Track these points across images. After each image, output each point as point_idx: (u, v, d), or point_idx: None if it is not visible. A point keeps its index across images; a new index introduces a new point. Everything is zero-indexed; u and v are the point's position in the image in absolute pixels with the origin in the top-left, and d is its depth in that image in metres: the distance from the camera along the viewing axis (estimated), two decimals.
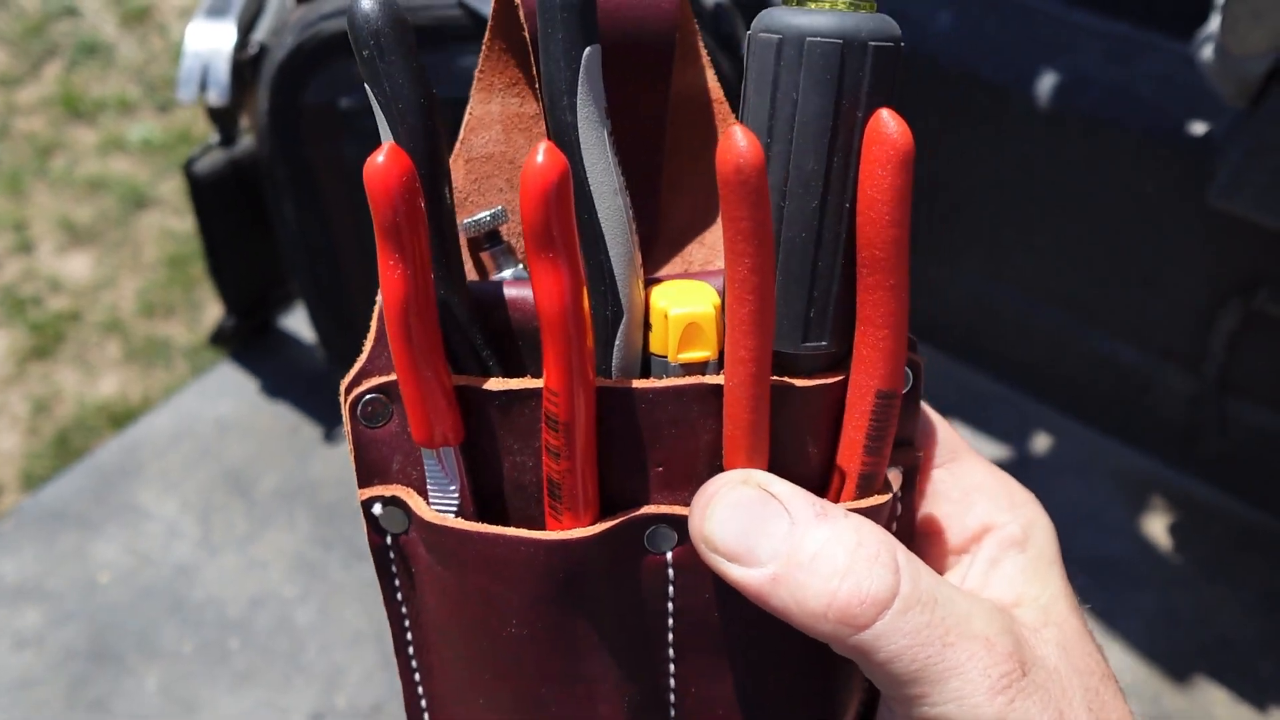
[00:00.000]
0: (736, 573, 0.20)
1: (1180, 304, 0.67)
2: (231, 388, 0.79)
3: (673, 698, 0.23)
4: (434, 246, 0.20)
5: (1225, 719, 0.60)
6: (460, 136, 0.24)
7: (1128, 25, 0.67)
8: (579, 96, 0.20)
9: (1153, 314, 0.69)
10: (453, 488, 0.21)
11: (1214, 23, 0.52)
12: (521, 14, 0.20)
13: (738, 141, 0.17)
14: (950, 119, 0.70)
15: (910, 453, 0.22)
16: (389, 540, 0.21)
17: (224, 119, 0.64)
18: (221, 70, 0.59)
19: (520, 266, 0.22)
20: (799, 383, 0.20)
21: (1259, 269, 0.62)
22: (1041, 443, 0.76)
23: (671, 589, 0.22)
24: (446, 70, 0.55)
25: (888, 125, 0.17)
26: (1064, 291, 0.72)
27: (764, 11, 0.18)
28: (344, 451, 0.75)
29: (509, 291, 0.21)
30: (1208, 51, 0.52)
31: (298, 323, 0.84)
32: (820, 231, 0.19)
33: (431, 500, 0.21)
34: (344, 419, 0.21)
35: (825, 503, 0.20)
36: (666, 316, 0.20)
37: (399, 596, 0.23)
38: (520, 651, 0.22)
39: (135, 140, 2.48)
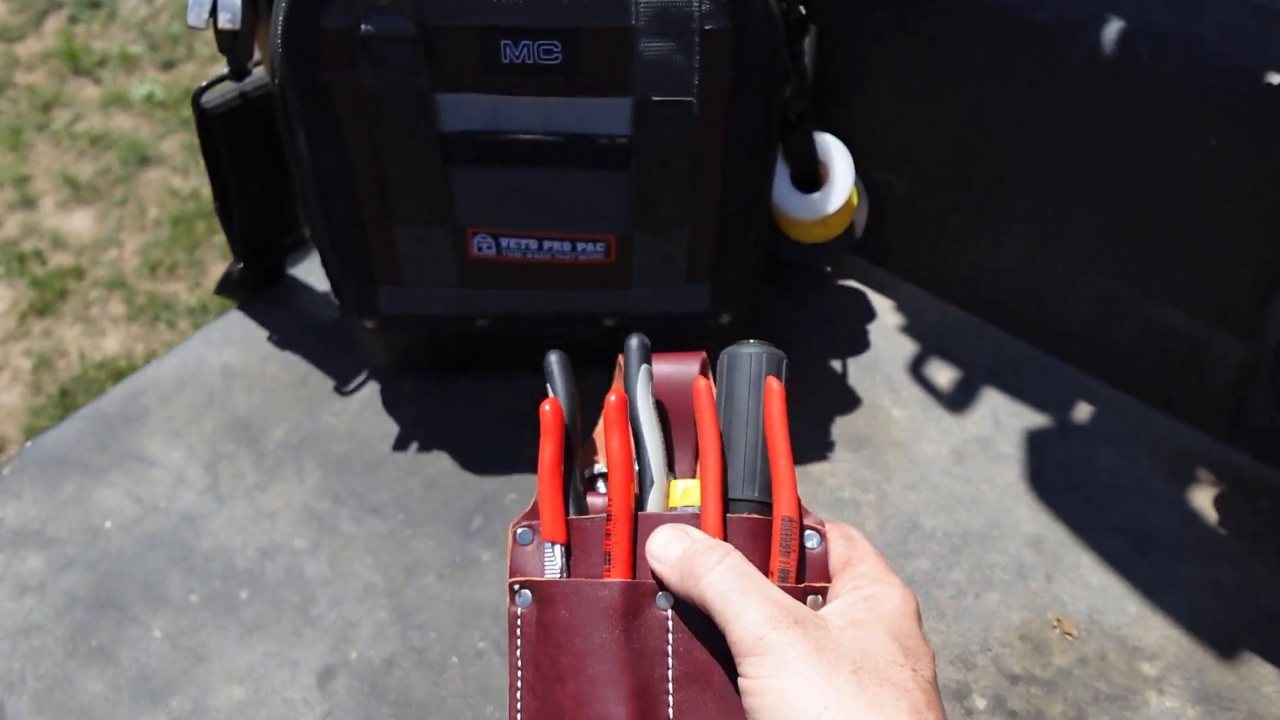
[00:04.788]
0: (658, 566, 0.37)
1: (1237, 268, 0.64)
2: (238, 336, 0.77)
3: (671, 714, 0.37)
4: (567, 464, 0.39)
5: (1272, 695, 0.58)
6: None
7: None
8: (637, 384, 0.40)
9: (1207, 278, 0.66)
10: (558, 566, 0.38)
11: None
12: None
13: (700, 386, 0.39)
14: (1000, 71, 0.67)
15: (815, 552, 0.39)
16: (519, 611, 0.38)
17: (235, 49, 0.61)
18: None
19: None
20: (733, 515, 0.38)
21: None
22: (1082, 411, 0.73)
23: (670, 635, 0.37)
24: None
25: (771, 384, 0.38)
26: (1113, 254, 0.69)
27: (728, 350, 0.40)
28: (356, 403, 0.72)
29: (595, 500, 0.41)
30: None
31: (309, 272, 0.81)
32: (746, 434, 0.39)
33: (547, 575, 0.38)
34: (508, 541, 0.40)
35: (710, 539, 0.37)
36: (674, 488, 0.40)
37: (519, 649, 0.38)
38: (579, 662, 0.37)
39: (138, 97, 2.42)
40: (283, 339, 0.76)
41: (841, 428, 0.72)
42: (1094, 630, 0.61)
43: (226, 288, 0.76)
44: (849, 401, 0.73)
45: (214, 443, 0.70)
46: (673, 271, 0.61)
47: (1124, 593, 0.63)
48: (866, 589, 0.36)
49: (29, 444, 0.69)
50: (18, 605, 0.61)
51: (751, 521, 0.38)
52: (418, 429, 0.71)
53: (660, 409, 0.42)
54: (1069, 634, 0.61)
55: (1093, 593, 0.63)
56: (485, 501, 0.67)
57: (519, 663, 0.38)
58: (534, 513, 0.39)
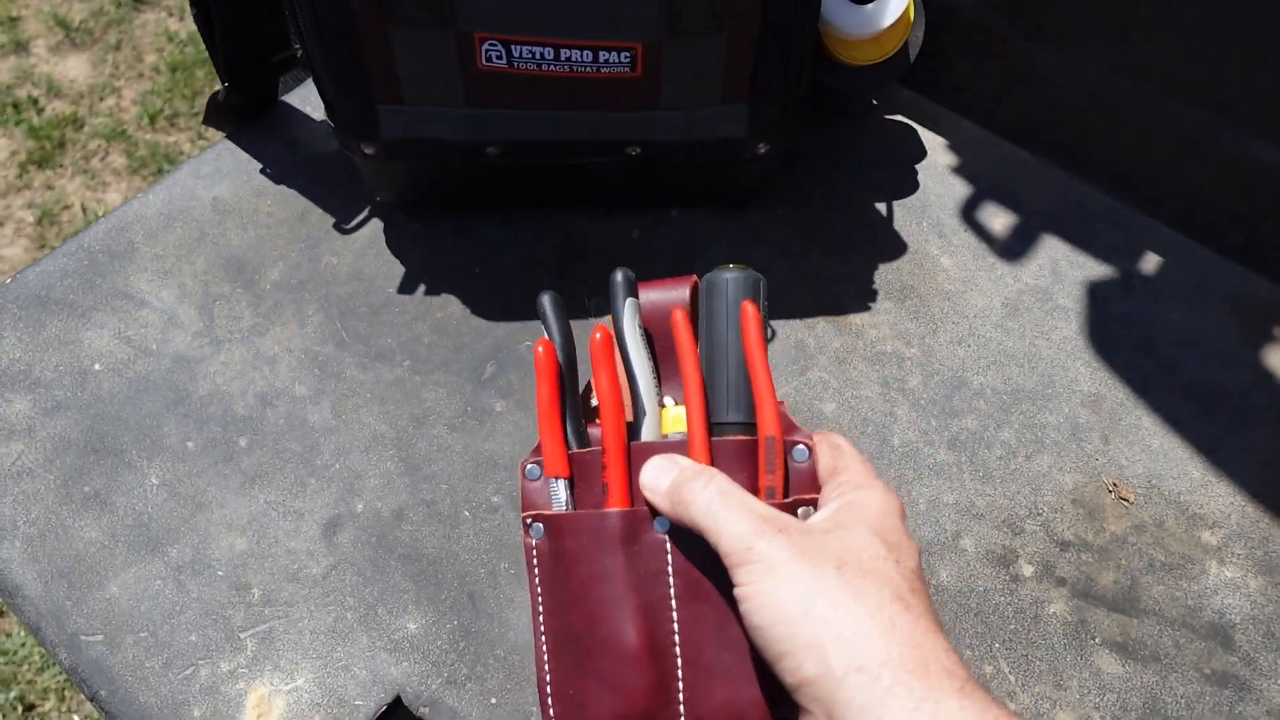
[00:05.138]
0: (651, 496, 0.40)
1: None
2: (230, 169, 0.70)
3: (677, 637, 0.39)
4: (566, 397, 0.43)
5: None
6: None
7: None
8: (624, 317, 0.43)
9: None
10: (563, 498, 0.42)
11: None
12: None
13: (677, 320, 0.42)
14: None
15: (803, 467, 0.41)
16: (534, 543, 0.42)
17: None
18: None
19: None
20: (719, 438, 0.41)
21: None
22: (1150, 262, 0.66)
23: (669, 555, 0.39)
24: None
25: (747, 308, 0.41)
26: (1203, 80, 0.61)
27: (708, 275, 0.43)
28: (358, 242, 0.67)
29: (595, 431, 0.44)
30: None
31: (304, 100, 0.74)
32: (727, 358, 0.42)
33: (553, 508, 0.42)
34: (519, 478, 0.44)
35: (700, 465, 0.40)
36: (665, 414, 0.43)
37: (536, 576, 0.42)
38: (587, 586, 0.40)
39: None
40: (278, 172, 0.70)
41: (884, 276, 0.66)
42: (1152, 496, 0.57)
43: (214, 115, 0.69)
44: (894, 248, 0.67)
45: (207, 283, 0.65)
46: (706, 89, 0.54)
47: (1186, 457, 0.58)
48: (850, 494, 0.38)
49: (9, 280, 0.65)
50: (5, 449, 0.58)
51: (737, 443, 0.41)
52: (425, 271, 0.65)
53: (649, 338, 0.44)
54: (1125, 499, 0.57)
55: (1153, 456, 0.58)
56: (498, 349, 0.62)
57: (539, 589, 0.42)
58: (540, 449, 0.43)
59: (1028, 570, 0.54)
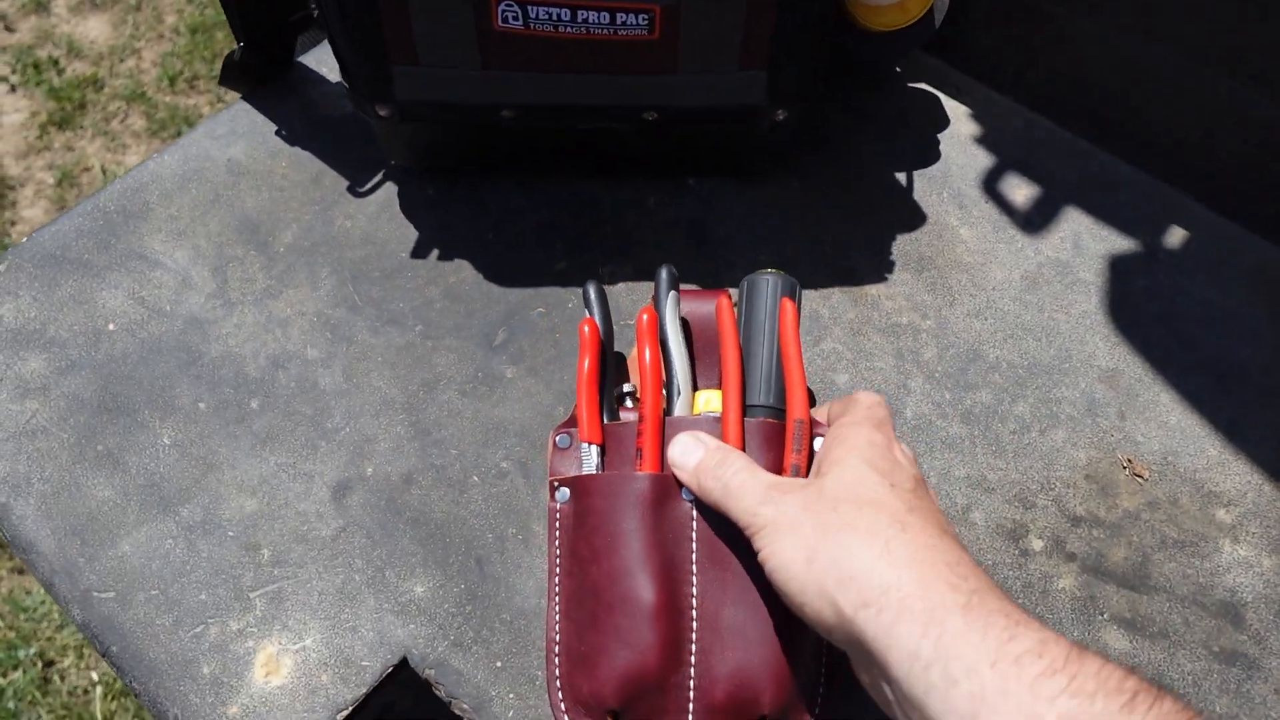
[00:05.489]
0: (678, 472, 0.43)
1: None
2: (245, 129, 0.70)
3: (694, 601, 0.41)
4: (602, 375, 0.46)
5: None
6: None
7: None
8: (666, 305, 0.47)
9: None
10: (594, 463, 0.45)
11: None
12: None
13: (723, 304, 0.46)
14: None
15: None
16: (558, 506, 0.44)
17: None
18: None
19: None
20: (750, 419, 0.44)
21: None
22: (1175, 236, 0.65)
23: (694, 523, 0.42)
24: None
25: (786, 305, 0.46)
26: (1240, 47, 0.59)
27: (748, 276, 0.49)
28: (372, 205, 0.66)
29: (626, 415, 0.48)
30: None
31: (321, 61, 0.74)
32: (763, 349, 0.46)
33: (584, 471, 0.45)
34: (548, 445, 0.47)
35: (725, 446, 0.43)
36: (697, 397, 0.46)
37: (557, 538, 0.44)
38: (613, 544, 0.41)
39: None
40: (293, 134, 0.70)
41: (902, 247, 0.65)
42: (1167, 473, 0.56)
43: (230, 76, 0.68)
44: (913, 218, 0.66)
45: (221, 244, 0.65)
46: (725, 54, 0.53)
47: (1204, 434, 0.57)
48: (833, 431, 0.41)
49: (24, 240, 0.65)
50: (20, 407, 0.58)
51: (767, 425, 0.44)
52: (439, 235, 0.65)
53: (686, 330, 0.48)
54: (1139, 476, 0.56)
55: (1169, 433, 0.58)
56: (510, 315, 0.62)
57: (558, 553, 0.44)
58: (571, 421, 0.46)
59: (1037, 545, 0.54)
